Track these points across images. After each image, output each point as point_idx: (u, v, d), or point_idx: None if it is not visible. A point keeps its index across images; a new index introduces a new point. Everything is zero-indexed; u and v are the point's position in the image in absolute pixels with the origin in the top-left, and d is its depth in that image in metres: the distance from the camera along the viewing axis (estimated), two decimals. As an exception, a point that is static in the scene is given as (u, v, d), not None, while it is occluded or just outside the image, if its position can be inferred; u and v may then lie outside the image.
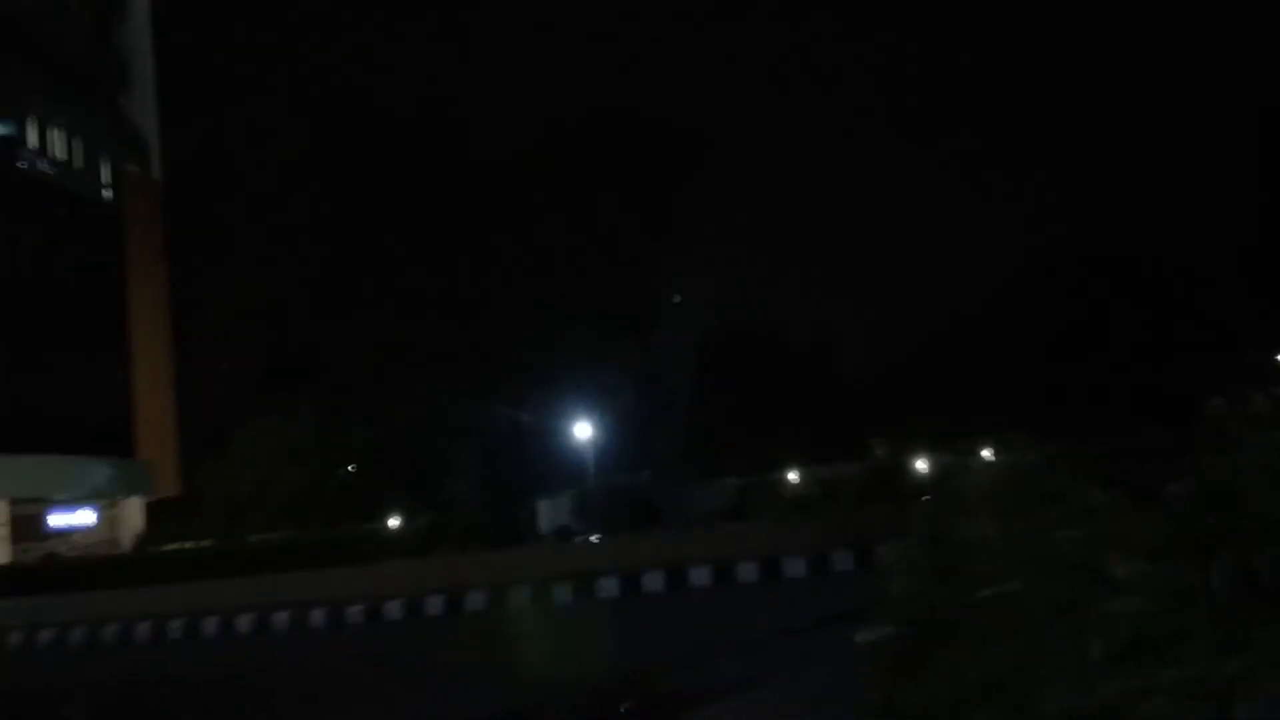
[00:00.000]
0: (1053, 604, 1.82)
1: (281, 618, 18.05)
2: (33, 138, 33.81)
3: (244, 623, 18.13)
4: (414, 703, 9.58)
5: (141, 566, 22.59)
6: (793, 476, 24.20)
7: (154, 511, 34.50)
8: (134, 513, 34.31)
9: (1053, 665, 1.79)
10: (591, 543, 19.87)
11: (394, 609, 17.67)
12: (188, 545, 24.91)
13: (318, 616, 17.96)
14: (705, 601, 15.25)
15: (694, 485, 23.72)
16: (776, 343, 42.33)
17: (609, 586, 17.06)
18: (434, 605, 17.60)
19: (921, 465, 21.19)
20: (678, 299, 38.65)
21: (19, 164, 33.02)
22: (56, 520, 31.96)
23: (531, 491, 25.77)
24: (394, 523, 25.81)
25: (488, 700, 8.96)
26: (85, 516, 32.70)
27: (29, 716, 10.38)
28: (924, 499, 2.14)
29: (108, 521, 33.70)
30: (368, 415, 34.12)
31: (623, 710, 7.77)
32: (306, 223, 35.70)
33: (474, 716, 8.51)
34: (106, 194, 36.38)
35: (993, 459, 2.17)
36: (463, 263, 36.45)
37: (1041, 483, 2.04)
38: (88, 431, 32.37)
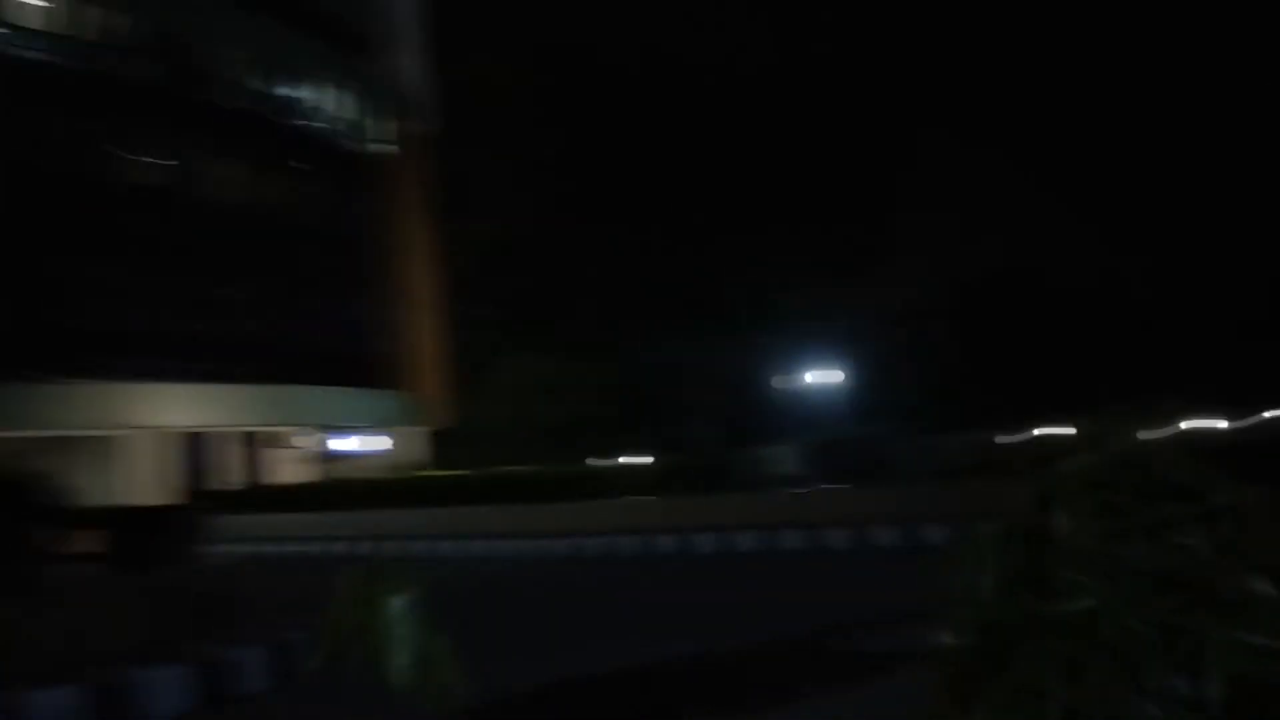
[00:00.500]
0: (1158, 627, 1.39)
1: (529, 546, 19.23)
2: (310, 96, 37.05)
3: (500, 547, 19.52)
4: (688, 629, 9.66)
5: (407, 491, 24.68)
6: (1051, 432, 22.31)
7: (426, 441, 37.57)
8: (410, 442, 37.54)
9: (1152, 707, 1.37)
10: (819, 492, 19.44)
11: (629, 544, 18.24)
12: (447, 473, 26.93)
13: (559, 546, 18.92)
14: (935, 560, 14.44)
15: (937, 438, 22.47)
16: (1045, 289, 39.03)
17: (837, 537, 16.71)
18: (665, 544, 17.95)
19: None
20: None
21: (299, 122, 36.30)
22: (342, 446, 35.56)
23: (765, 437, 25.59)
24: (631, 460, 26.49)
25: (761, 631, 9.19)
26: (365, 443, 36.16)
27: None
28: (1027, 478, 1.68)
29: (379, 445, 37.03)
30: (610, 355, 35.25)
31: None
32: (550, 169, 36.98)
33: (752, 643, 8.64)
34: (378, 146, 39.41)
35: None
36: (698, 208, 36.46)
37: (1165, 470, 1.58)
38: (367, 366, 35.65)
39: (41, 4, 29.66)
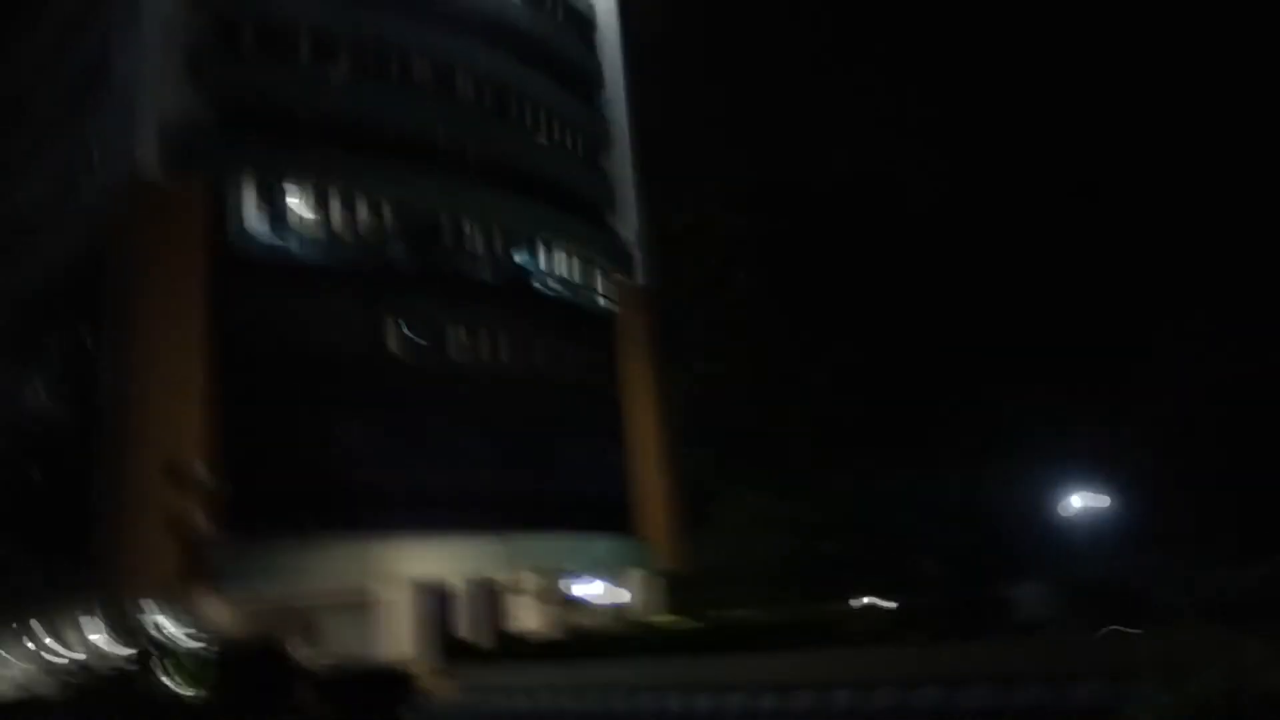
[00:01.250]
0: None
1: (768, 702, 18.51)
2: (542, 260, 39.76)
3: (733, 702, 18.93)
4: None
5: (640, 640, 24.54)
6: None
7: (657, 585, 37.68)
8: (643, 585, 37.72)
9: None
10: (1081, 637, 17.55)
11: (884, 698, 17.11)
12: (677, 619, 26.65)
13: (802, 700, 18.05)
14: None
15: (1219, 569, 19.91)
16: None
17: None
18: (924, 697, 16.68)
19: None
20: None
21: (534, 285, 38.95)
22: (572, 590, 36.24)
23: (1010, 574, 23.68)
24: (868, 601, 25.28)
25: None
26: (595, 588, 36.67)
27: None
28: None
29: (616, 592, 37.41)
30: (835, 487, 34.33)
31: None
32: (751, 305, 37.49)
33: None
34: (602, 302, 41.51)
35: None
36: (911, 331, 35.53)
37: None
38: (594, 510, 36.57)
39: (314, 206, 33.95)
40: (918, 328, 36.37)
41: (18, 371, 39.14)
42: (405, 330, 34.69)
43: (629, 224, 43.43)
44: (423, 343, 34.93)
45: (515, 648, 27.97)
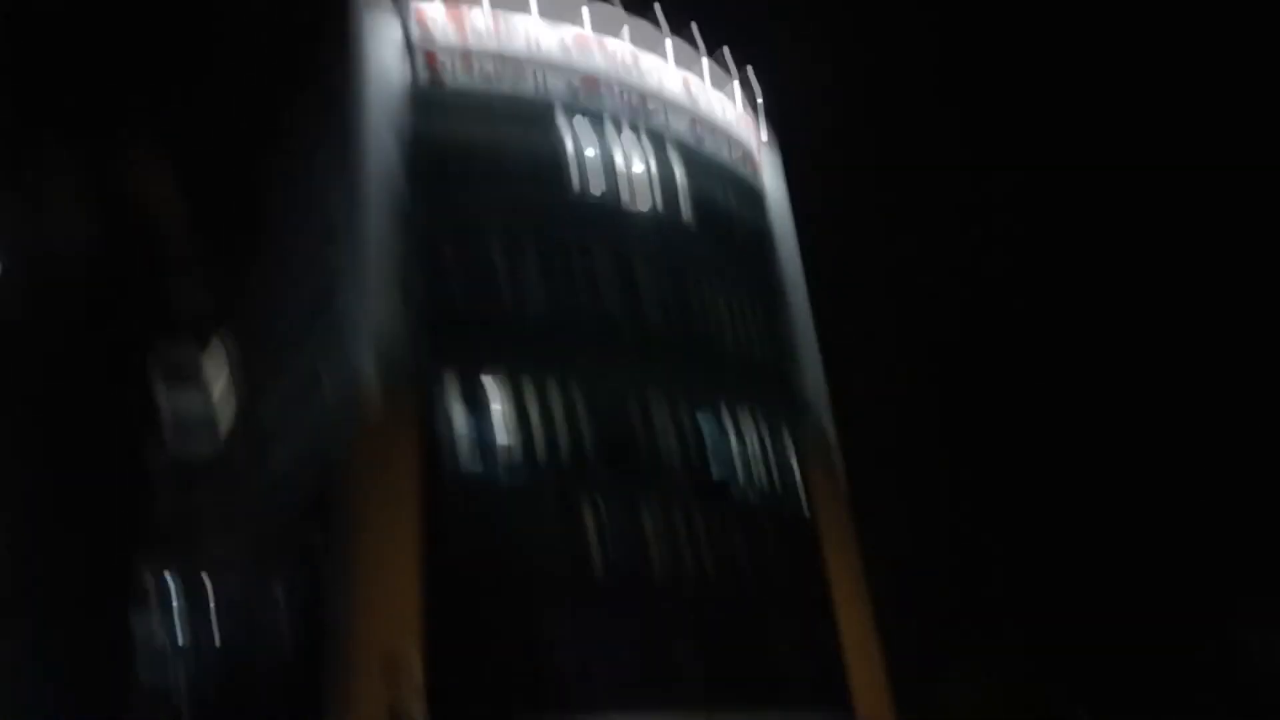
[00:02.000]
0: None
1: None
2: (729, 428, 40.00)
3: None
4: None
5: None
6: None
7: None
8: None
9: None
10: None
11: None
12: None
13: None
14: None
15: None
16: None
17: None
18: None
19: None
20: None
21: (726, 465, 39.20)
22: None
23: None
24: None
25: None
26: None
27: None
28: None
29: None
30: (1047, 676, 31.18)
31: None
32: (953, 465, 35.81)
33: None
34: (795, 468, 41.10)
35: None
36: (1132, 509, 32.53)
37: None
38: (804, 688, 35.12)
39: (511, 401, 36.05)
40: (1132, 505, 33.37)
41: (257, 578, 42.67)
42: (602, 517, 35.54)
43: (816, 387, 43.38)
44: (620, 528, 35.60)
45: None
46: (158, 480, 55.99)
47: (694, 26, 48.00)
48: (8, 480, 50.81)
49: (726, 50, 49.05)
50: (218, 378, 57.05)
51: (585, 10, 44.86)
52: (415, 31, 41.83)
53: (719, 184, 46.40)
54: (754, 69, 50.19)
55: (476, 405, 35.69)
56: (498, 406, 36.00)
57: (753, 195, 48.12)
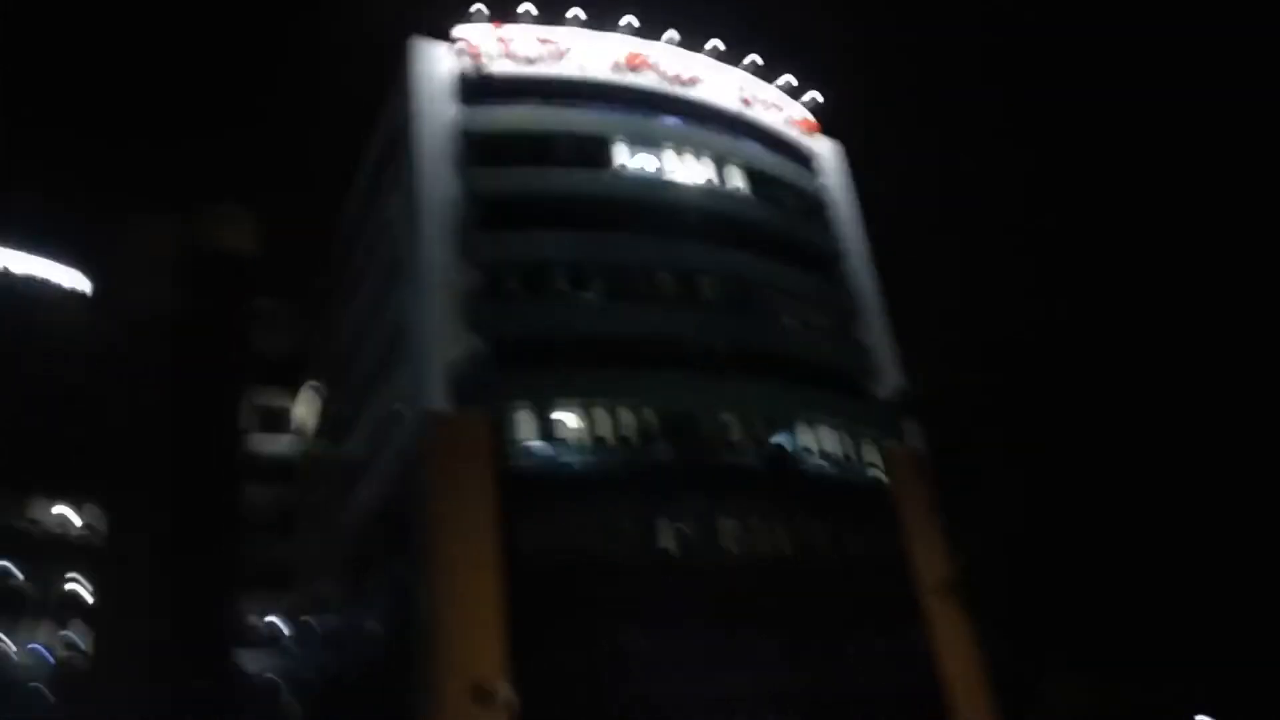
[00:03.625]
0: None
1: None
2: (807, 440, 39.53)
3: None
4: None
5: None
6: None
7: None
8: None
9: None
10: None
11: None
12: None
13: None
14: None
15: None
16: None
17: None
18: None
19: None
20: None
21: (801, 467, 38.66)
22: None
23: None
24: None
25: None
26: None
27: None
28: None
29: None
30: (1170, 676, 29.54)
31: None
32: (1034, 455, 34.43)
33: None
34: (876, 474, 40.28)
35: None
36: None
37: None
38: (896, 704, 34.06)
39: (582, 421, 36.32)
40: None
41: (346, 609, 43.65)
42: (679, 529, 35.41)
43: (889, 390, 42.51)
44: (698, 540, 35.37)
45: None
46: (254, 524, 57.72)
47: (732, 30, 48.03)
48: (116, 538, 53.22)
49: (757, 58, 48.56)
50: (307, 421, 58.79)
51: (629, 20, 45.24)
52: (469, 65, 42.94)
53: (780, 195, 46.16)
54: (805, 74, 50.00)
55: (550, 432, 36.13)
56: (571, 432, 36.34)
57: (815, 203, 47.73)
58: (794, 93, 49.89)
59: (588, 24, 45.04)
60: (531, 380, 36.66)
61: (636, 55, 45.41)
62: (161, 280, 56.99)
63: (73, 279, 63.73)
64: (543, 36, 44.25)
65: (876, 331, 45.30)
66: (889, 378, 43.35)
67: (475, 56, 43.18)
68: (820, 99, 50.13)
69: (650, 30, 46.21)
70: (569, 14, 44.94)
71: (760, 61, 48.57)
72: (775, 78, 49.35)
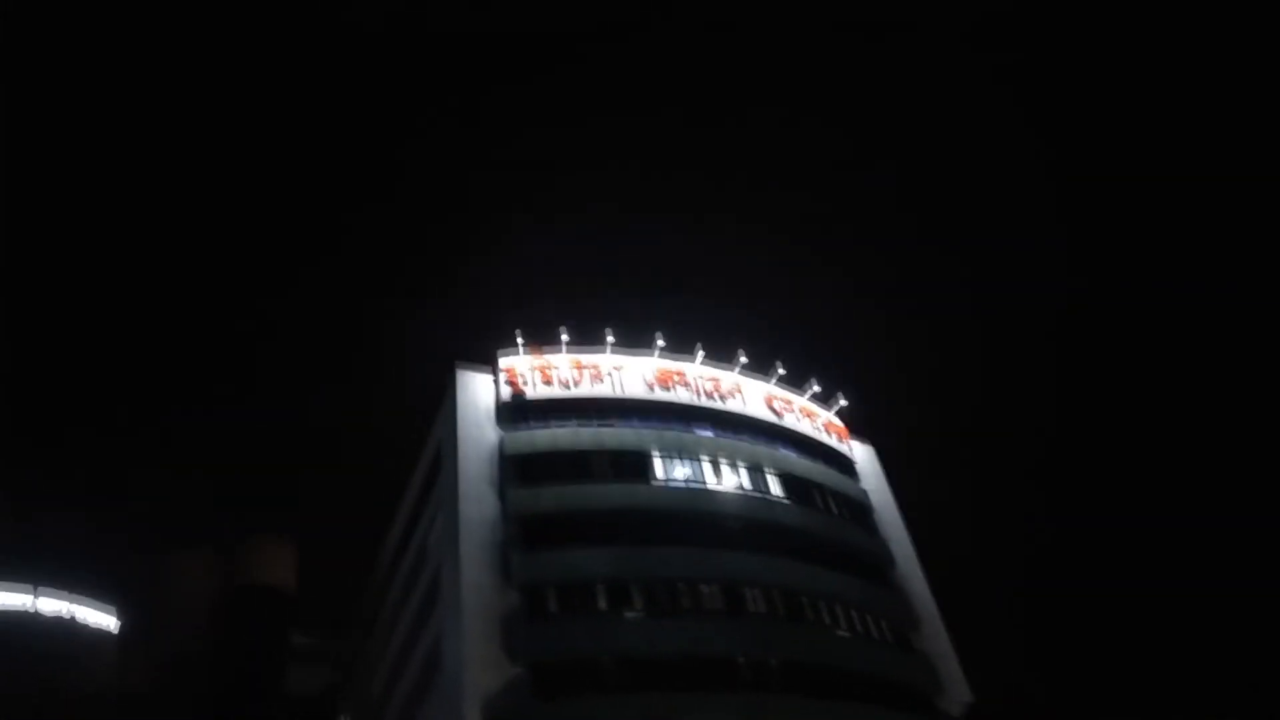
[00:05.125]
0: None
1: None
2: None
3: None
4: None
5: None
6: None
7: None
8: None
9: None
10: None
11: None
12: None
13: None
14: None
15: None
16: None
17: None
18: None
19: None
20: None
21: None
22: None
23: None
24: None
25: None
26: None
27: None
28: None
29: None
30: None
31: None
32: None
33: None
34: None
35: None
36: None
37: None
38: None
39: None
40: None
41: None
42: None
43: (958, 705, 39.15)
44: None
45: None
46: None
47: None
48: None
49: (780, 368, 49.76)
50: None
51: (659, 339, 47.19)
52: (507, 391, 44.41)
53: (820, 500, 45.51)
54: (831, 377, 51.09)
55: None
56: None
57: (857, 507, 46.93)
58: (821, 398, 50.70)
59: (619, 342, 46.87)
60: (572, 711, 34.32)
61: (669, 373, 46.93)
62: (197, 617, 55.90)
63: (100, 618, 62.95)
64: (579, 361, 46.03)
65: (939, 640, 42.73)
66: (957, 691, 40.19)
67: (515, 384, 44.81)
68: (845, 402, 50.84)
69: (680, 344, 48.04)
70: (603, 332, 46.81)
71: (783, 371, 49.70)
72: (802, 383, 50.36)
